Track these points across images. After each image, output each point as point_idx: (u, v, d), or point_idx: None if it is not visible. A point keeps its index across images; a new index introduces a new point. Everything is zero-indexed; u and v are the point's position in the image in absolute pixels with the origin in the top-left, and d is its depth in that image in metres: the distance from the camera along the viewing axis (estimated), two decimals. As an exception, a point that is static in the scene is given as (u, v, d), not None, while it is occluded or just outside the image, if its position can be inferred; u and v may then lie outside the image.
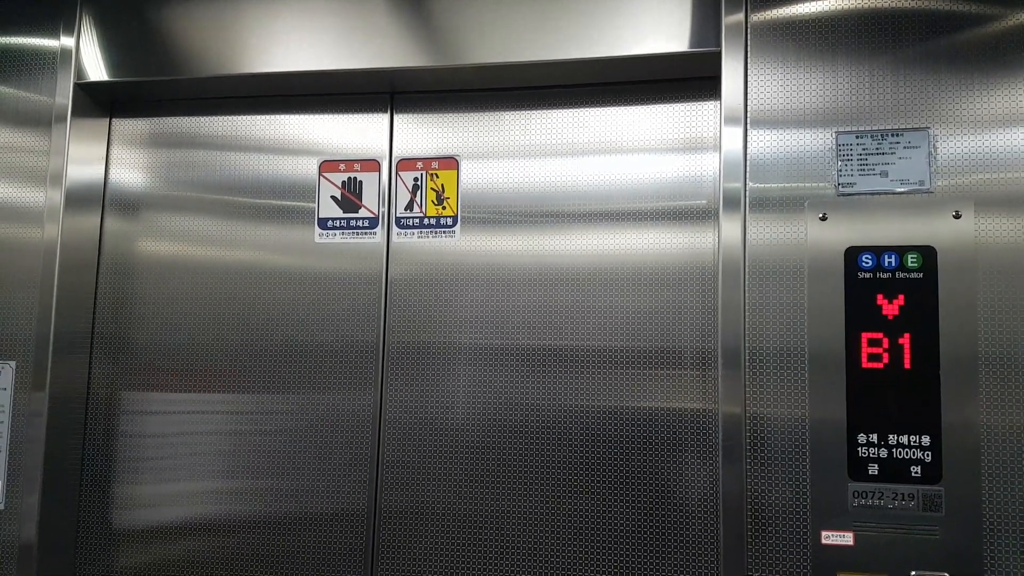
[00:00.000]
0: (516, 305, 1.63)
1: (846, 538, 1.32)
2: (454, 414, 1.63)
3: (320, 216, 1.74)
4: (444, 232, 1.69)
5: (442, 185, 1.70)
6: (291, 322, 1.72)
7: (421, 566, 1.61)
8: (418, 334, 1.66)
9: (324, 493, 1.67)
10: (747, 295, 1.41)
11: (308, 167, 1.76)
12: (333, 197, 1.74)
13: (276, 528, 1.68)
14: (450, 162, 1.71)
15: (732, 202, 1.44)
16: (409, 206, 1.71)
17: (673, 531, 1.52)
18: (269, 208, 1.76)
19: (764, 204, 1.42)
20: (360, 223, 1.72)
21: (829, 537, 1.33)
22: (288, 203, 1.76)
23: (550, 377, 1.59)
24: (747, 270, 1.41)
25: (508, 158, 1.68)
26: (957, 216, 1.34)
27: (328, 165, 1.75)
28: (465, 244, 1.67)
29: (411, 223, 1.71)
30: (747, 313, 1.40)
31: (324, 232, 1.74)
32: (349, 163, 1.74)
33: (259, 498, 1.69)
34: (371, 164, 1.74)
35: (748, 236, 1.42)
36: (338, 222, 1.73)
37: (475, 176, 1.69)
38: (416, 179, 1.72)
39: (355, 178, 1.74)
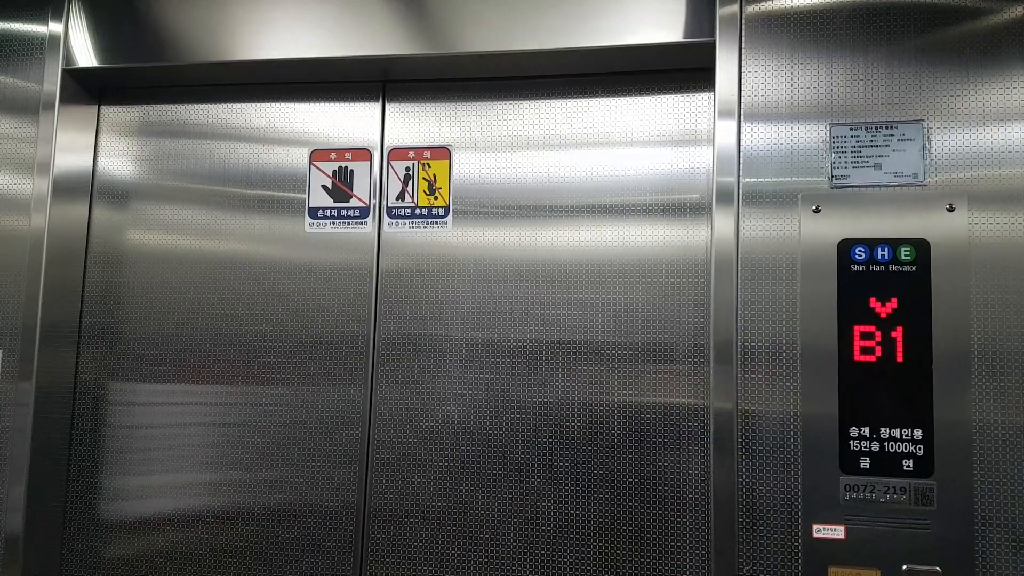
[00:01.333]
0: (508, 298, 1.61)
1: (837, 532, 1.32)
2: (445, 409, 1.62)
3: (311, 206, 1.73)
4: (436, 223, 1.67)
5: (434, 175, 1.69)
6: (280, 314, 1.70)
7: (411, 563, 1.60)
8: (409, 327, 1.65)
9: (313, 487, 1.65)
10: (740, 289, 1.40)
11: (299, 156, 1.75)
12: (324, 186, 1.72)
13: (264, 522, 1.66)
14: (442, 152, 1.69)
15: (725, 196, 1.43)
16: (400, 196, 1.70)
17: (665, 526, 1.51)
18: (259, 198, 1.75)
19: (757, 198, 1.42)
20: (351, 213, 1.71)
21: (820, 531, 1.32)
22: (278, 193, 1.74)
23: (542, 371, 1.58)
24: (740, 264, 1.41)
25: (501, 149, 1.66)
26: (951, 209, 1.34)
27: (319, 154, 1.73)
28: (457, 236, 1.66)
29: (403, 213, 1.69)
30: (739, 307, 1.40)
31: (315, 222, 1.72)
32: (340, 152, 1.73)
33: (247, 491, 1.68)
34: (362, 153, 1.72)
35: (741, 230, 1.41)
36: (329, 212, 1.72)
37: (467, 167, 1.67)
38: (408, 169, 1.71)
39: (346, 167, 1.73)
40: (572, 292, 1.59)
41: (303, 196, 1.73)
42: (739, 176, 1.42)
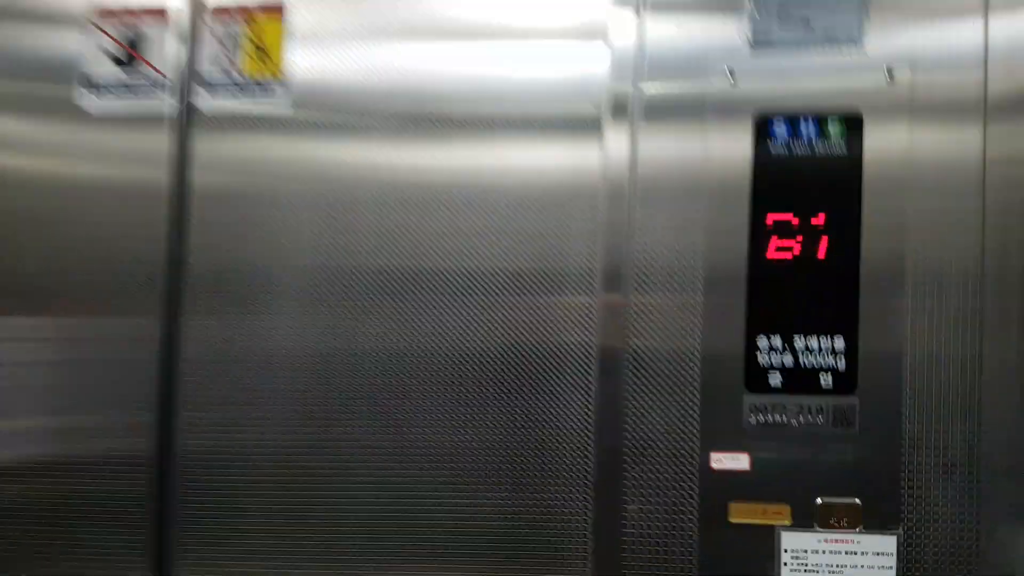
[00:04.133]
0: (358, 221, 1.33)
1: (740, 461, 1.16)
2: (276, 344, 1.34)
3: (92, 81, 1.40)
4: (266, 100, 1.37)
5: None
6: (54, 227, 1.40)
7: (231, 507, 1.34)
8: (227, 251, 1.36)
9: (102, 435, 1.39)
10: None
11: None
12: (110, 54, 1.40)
13: (47, 476, 1.40)
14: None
15: (620, 106, 1.24)
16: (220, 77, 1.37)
17: (544, 466, 1.28)
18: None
19: (660, 103, 1.24)
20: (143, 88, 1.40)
21: (720, 460, 1.17)
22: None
23: (403, 300, 1.31)
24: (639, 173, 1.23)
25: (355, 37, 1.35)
26: (890, 78, 1.17)
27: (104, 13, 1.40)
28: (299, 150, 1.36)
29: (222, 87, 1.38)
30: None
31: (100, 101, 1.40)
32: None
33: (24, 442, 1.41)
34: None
35: (639, 142, 1.23)
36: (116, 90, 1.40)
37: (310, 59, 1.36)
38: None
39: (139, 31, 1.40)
40: (439, 219, 1.31)
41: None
42: (637, 79, 1.24)
